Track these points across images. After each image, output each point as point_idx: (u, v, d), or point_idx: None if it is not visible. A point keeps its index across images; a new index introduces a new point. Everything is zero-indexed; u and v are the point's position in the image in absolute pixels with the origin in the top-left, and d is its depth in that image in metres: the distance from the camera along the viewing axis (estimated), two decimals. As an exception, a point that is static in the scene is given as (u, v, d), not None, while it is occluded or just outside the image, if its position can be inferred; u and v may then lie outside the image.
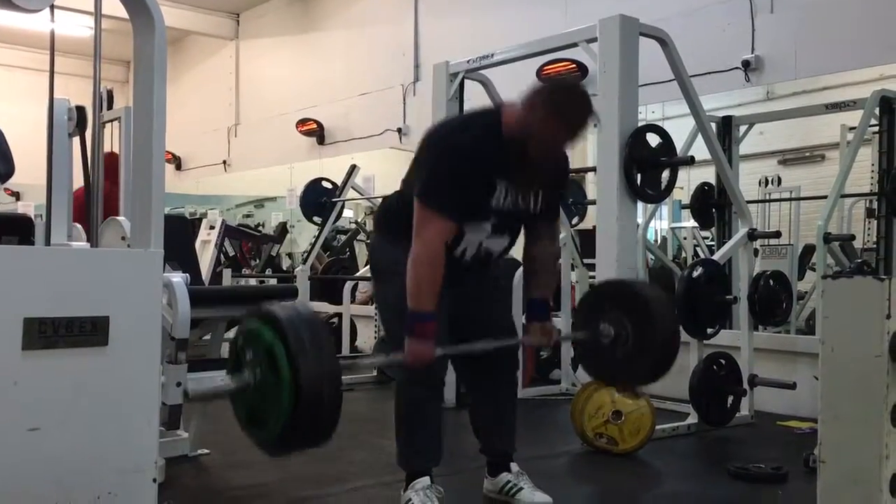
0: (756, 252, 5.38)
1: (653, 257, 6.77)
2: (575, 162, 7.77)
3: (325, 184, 7.03)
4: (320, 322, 2.27)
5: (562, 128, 2.55)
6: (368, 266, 3.07)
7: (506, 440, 2.94)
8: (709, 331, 4.21)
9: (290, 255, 9.54)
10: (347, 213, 8.93)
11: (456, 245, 2.70)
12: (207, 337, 3.59)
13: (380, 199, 6.93)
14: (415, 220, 2.60)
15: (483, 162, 2.59)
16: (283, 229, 9.26)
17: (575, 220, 5.84)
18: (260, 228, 9.99)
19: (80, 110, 3.48)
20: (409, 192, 2.72)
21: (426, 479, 2.74)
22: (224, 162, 11.08)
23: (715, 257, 4.51)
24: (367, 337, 7.17)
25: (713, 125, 5.42)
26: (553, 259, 2.98)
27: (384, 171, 8.31)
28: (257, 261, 9.27)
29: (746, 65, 5.41)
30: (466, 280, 2.79)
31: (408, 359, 2.58)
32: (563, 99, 2.55)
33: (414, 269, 2.57)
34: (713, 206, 5.97)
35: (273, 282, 8.75)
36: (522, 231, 2.91)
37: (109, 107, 4.33)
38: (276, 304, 2.26)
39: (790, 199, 7.27)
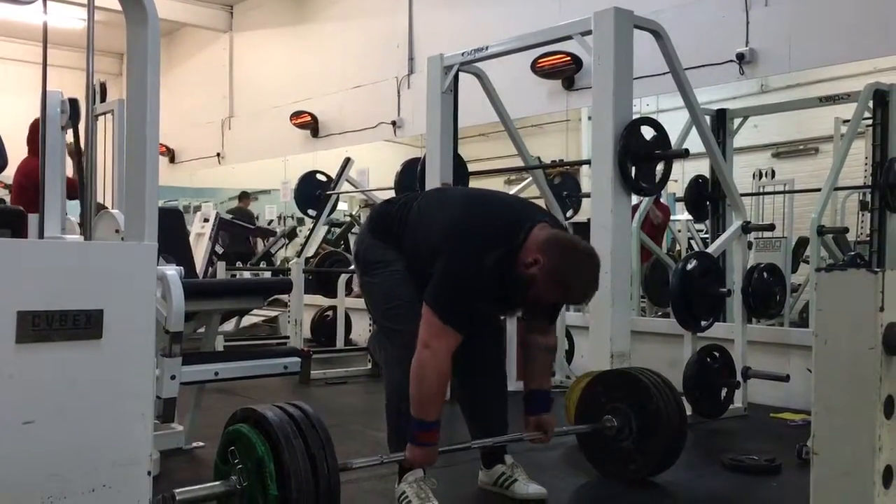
0: (750, 245, 5.40)
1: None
2: (569, 155, 7.79)
3: (320, 176, 7.02)
4: (317, 428, 2.29)
5: (562, 294, 2.68)
6: (353, 258, 3.08)
7: (497, 427, 2.95)
8: (703, 323, 4.23)
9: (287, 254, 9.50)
10: (342, 205, 8.93)
11: None
12: (202, 330, 3.58)
13: (374, 193, 6.95)
14: (424, 328, 2.60)
15: (490, 287, 2.62)
16: (293, 230, 9.21)
17: (569, 213, 5.83)
18: (254, 221, 9.97)
19: (73, 103, 3.47)
20: (421, 236, 2.75)
21: (419, 472, 2.75)
22: (218, 154, 11.06)
23: (709, 250, 4.53)
24: (362, 329, 7.18)
25: (707, 118, 5.43)
26: (548, 354, 2.99)
27: (378, 163, 8.30)
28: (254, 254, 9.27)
29: (741, 57, 5.41)
30: None
31: (412, 462, 2.69)
32: (575, 274, 2.59)
33: (421, 380, 2.60)
34: (707, 198, 5.98)
35: (267, 275, 8.75)
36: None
37: (103, 99, 4.31)
38: (273, 410, 2.30)
39: (784, 192, 7.30)
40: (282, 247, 9.32)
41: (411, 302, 2.73)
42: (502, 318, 2.93)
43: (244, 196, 10.20)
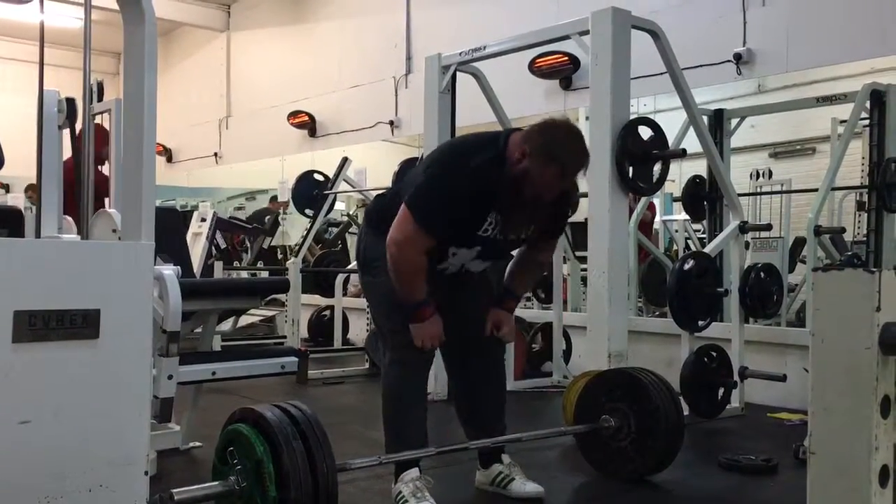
0: (747, 245, 5.40)
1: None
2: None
3: (317, 176, 7.01)
4: (316, 428, 2.28)
5: (558, 171, 2.58)
6: (355, 258, 3.08)
7: (495, 427, 2.95)
8: (700, 323, 4.23)
9: (282, 249, 9.50)
10: (339, 205, 8.92)
11: (439, 262, 2.75)
12: (199, 329, 3.58)
13: (372, 192, 6.94)
14: (395, 225, 2.62)
15: (479, 193, 2.61)
16: (274, 221, 9.24)
17: (567, 213, 5.83)
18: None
19: (70, 102, 3.46)
20: (405, 193, 2.72)
21: (415, 471, 2.76)
22: (215, 154, 11.05)
23: (706, 250, 4.52)
24: (359, 329, 7.17)
25: (705, 118, 5.44)
26: (540, 266, 3.04)
27: (376, 163, 8.30)
28: (247, 254, 9.25)
29: (738, 58, 5.41)
30: (446, 284, 2.84)
31: (419, 343, 2.70)
32: (556, 142, 2.57)
33: (399, 278, 2.65)
34: (704, 198, 5.99)
35: (265, 275, 8.75)
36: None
37: (100, 99, 4.31)
38: (272, 410, 2.29)
39: (781, 192, 7.30)
40: (269, 240, 9.32)
41: None
42: (491, 263, 2.82)
43: (273, 199, 10.13)
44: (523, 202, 2.61)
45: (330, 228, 8.98)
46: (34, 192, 8.59)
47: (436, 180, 2.64)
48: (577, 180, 2.82)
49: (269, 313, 8.06)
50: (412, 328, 2.70)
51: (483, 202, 2.63)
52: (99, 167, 5.22)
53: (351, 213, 9.61)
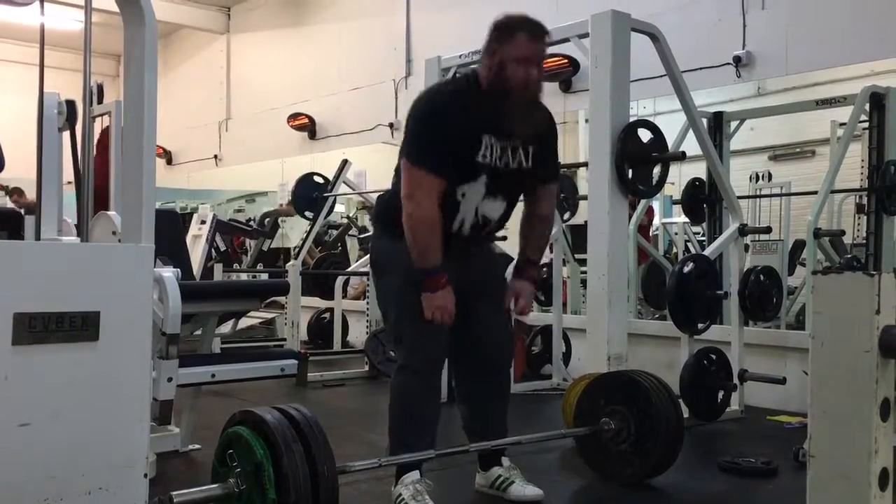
0: (747, 247, 5.40)
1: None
2: (567, 157, 7.79)
3: (317, 178, 7.01)
4: (316, 431, 2.28)
5: (520, 35, 2.67)
6: (370, 263, 3.07)
7: (496, 430, 2.94)
8: (699, 326, 4.23)
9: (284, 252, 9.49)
10: (339, 207, 8.92)
11: (453, 216, 2.72)
12: (198, 332, 3.58)
13: (371, 195, 6.94)
14: (403, 181, 2.64)
15: (463, 113, 2.66)
16: (274, 223, 9.24)
17: (566, 216, 5.84)
18: (251, 223, 9.96)
19: (70, 104, 3.46)
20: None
21: (415, 474, 2.75)
22: (215, 156, 11.05)
23: (706, 252, 4.53)
24: (359, 332, 7.17)
25: (704, 121, 5.43)
26: (543, 222, 3.02)
27: (376, 165, 8.29)
28: (246, 256, 9.25)
29: (737, 60, 5.42)
30: (463, 253, 2.80)
31: (429, 313, 2.64)
32: (505, 18, 2.71)
33: (415, 235, 2.63)
34: (704, 201, 5.99)
35: (264, 277, 8.74)
36: (522, 200, 2.96)
37: (100, 101, 4.32)
38: (272, 412, 2.29)
39: (780, 195, 7.30)
40: (269, 243, 9.32)
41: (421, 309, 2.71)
42: (505, 202, 2.82)
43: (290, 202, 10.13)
44: (506, 111, 2.66)
45: (330, 231, 8.98)
46: (19, 195, 8.59)
47: (420, 120, 2.70)
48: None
49: (269, 316, 8.06)
50: (424, 299, 2.64)
51: (469, 123, 2.67)
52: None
53: (351, 215, 9.61)
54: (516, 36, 2.65)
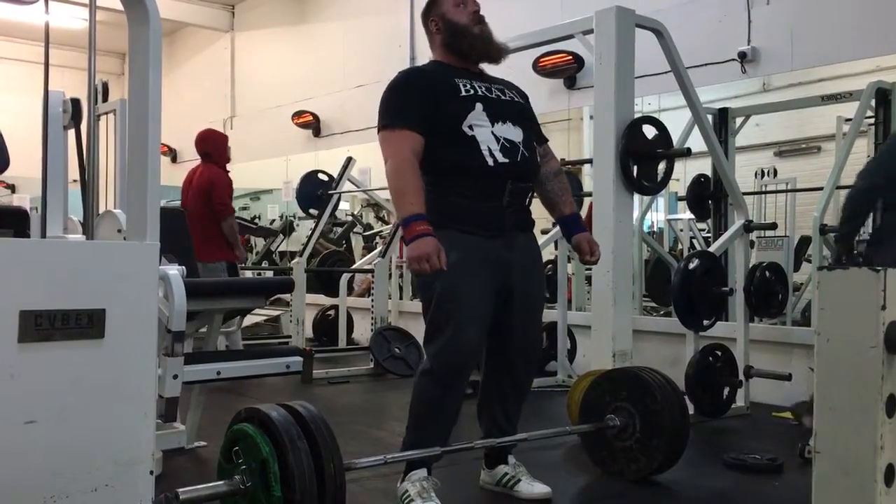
0: (752, 244, 5.39)
1: (649, 249, 6.77)
2: (571, 154, 7.78)
3: (321, 176, 7.02)
4: (323, 429, 2.28)
5: None
6: None
7: (508, 429, 2.94)
8: (705, 322, 4.23)
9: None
10: (344, 205, 8.93)
11: (477, 149, 2.67)
12: (204, 329, 3.59)
13: (376, 192, 6.95)
14: (381, 146, 2.68)
15: (430, 76, 2.77)
16: (289, 225, 9.22)
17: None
18: (256, 221, 9.98)
19: (76, 103, 3.46)
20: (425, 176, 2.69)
21: (423, 471, 2.75)
22: (220, 154, 11.05)
23: (711, 249, 4.52)
24: (364, 329, 7.18)
25: (709, 117, 5.42)
26: (559, 174, 3.01)
27: (380, 163, 8.28)
28: (251, 254, 9.26)
29: (742, 56, 5.40)
30: (514, 236, 2.77)
31: (413, 264, 2.51)
32: None
33: (390, 186, 2.64)
34: (709, 197, 5.98)
35: (270, 274, 8.75)
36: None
37: (105, 99, 4.31)
38: (277, 410, 2.29)
39: (786, 191, 7.29)
40: (281, 242, 9.33)
41: (462, 305, 2.65)
42: (518, 126, 2.80)
43: None
44: (472, 47, 2.83)
45: (334, 228, 8.99)
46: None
47: (386, 96, 2.76)
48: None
49: (274, 313, 8.07)
50: (407, 250, 2.55)
51: (440, 77, 2.75)
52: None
53: (355, 212, 9.62)
54: None
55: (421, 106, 2.66)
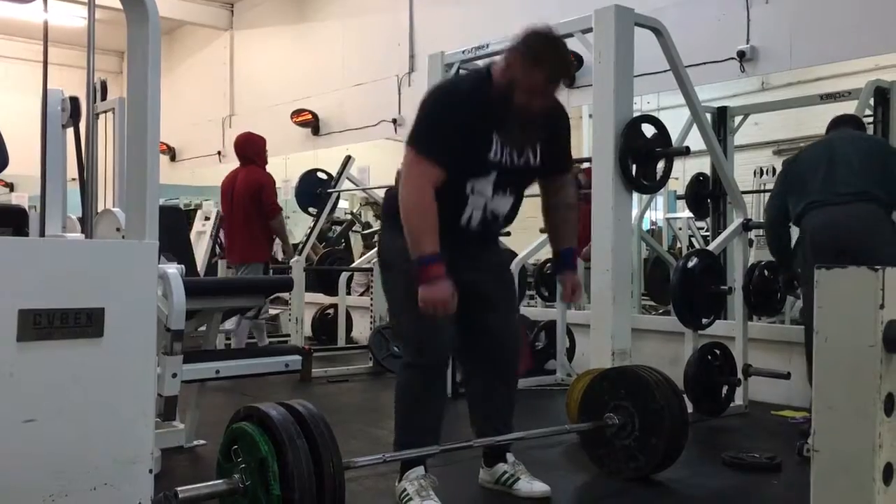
0: (751, 242, 5.40)
1: (648, 247, 6.77)
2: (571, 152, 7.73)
3: (320, 174, 7.01)
4: (322, 427, 2.28)
5: (540, 73, 2.58)
6: (377, 257, 3.07)
7: (502, 426, 2.94)
8: (703, 321, 4.23)
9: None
10: (343, 203, 8.92)
11: (462, 210, 2.71)
12: (203, 328, 3.59)
13: (375, 191, 6.95)
14: (402, 166, 2.63)
15: (473, 111, 2.63)
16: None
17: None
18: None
19: (74, 101, 3.46)
20: None
21: (420, 469, 2.76)
22: (219, 153, 11.04)
23: (710, 248, 4.52)
24: (363, 328, 7.18)
25: (708, 115, 5.43)
26: (570, 209, 2.99)
27: (379, 161, 8.30)
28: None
29: (741, 55, 5.40)
30: (473, 248, 2.81)
31: (425, 305, 2.56)
32: (539, 45, 2.60)
33: (408, 220, 2.59)
34: (708, 196, 5.98)
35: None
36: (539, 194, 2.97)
37: (103, 97, 4.31)
38: (276, 408, 2.29)
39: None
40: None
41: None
42: (513, 197, 2.81)
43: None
44: (518, 116, 2.63)
45: (333, 227, 8.98)
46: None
47: (430, 110, 2.68)
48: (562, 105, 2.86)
49: (273, 312, 8.07)
50: (420, 291, 2.57)
51: (482, 122, 2.64)
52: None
53: (354, 211, 9.61)
54: (536, 70, 2.56)
55: (453, 142, 2.62)
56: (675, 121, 5.18)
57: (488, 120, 2.64)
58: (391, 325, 2.97)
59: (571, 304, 3.04)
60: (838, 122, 4.09)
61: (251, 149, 6.12)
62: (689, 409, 4.03)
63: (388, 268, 2.89)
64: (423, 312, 2.58)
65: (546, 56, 2.59)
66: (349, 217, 9.35)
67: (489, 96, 2.63)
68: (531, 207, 3.19)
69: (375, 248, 3.05)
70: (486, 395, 2.95)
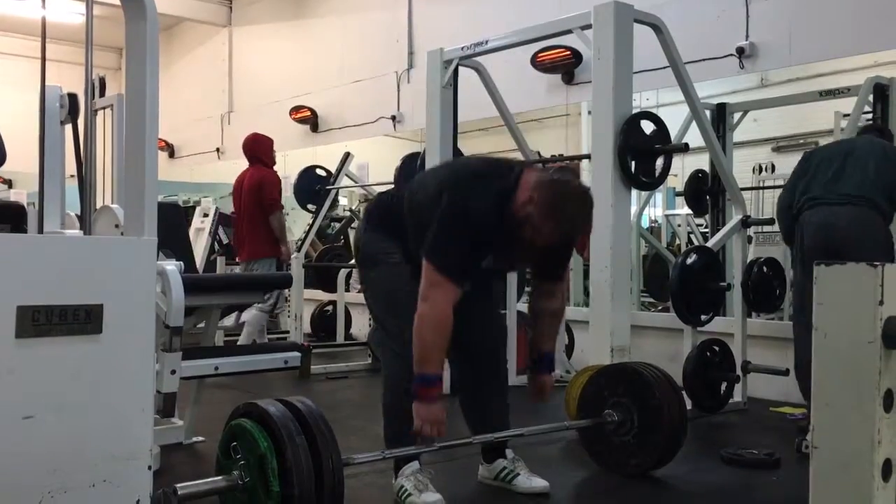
0: (750, 239, 5.39)
1: (647, 244, 6.78)
2: (569, 149, 7.77)
3: (319, 171, 7.01)
4: (321, 424, 2.28)
5: (555, 229, 2.59)
6: (354, 254, 3.07)
7: (497, 421, 2.95)
8: (703, 318, 4.23)
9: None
10: (341, 200, 8.91)
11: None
12: (202, 325, 3.59)
13: (374, 187, 6.94)
14: (423, 281, 2.60)
15: (487, 228, 2.62)
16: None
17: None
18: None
19: (73, 98, 3.46)
20: (418, 210, 2.75)
21: (415, 464, 2.76)
22: (217, 149, 11.04)
23: (709, 244, 4.52)
24: (362, 324, 7.18)
25: (707, 112, 5.42)
26: (555, 317, 3.02)
27: (378, 158, 8.29)
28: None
29: (741, 52, 5.40)
30: None
31: (419, 424, 2.61)
32: (559, 201, 2.57)
33: (421, 334, 2.59)
34: (707, 193, 5.98)
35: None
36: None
37: (102, 94, 4.29)
38: (276, 405, 2.29)
39: (784, 187, 7.27)
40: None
41: (412, 296, 2.74)
42: (505, 272, 2.89)
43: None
44: (521, 244, 2.63)
45: (332, 224, 8.97)
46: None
47: (453, 229, 2.62)
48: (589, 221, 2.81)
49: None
50: (415, 407, 2.62)
51: (489, 236, 2.65)
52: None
53: (353, 208, 9.60)
54: (549, 222, 2.55)
55: (469, 259, 2.67)
56: (675, 117, 5.17)
57: (495, 234, 2.65)
58: (375, 317, 2.97)
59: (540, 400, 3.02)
60: (867, 129, 4.22)
61: (258, 148, 6.40)
62: (688, 406, 4.04)
63: (374, 263, 2.89)
64: (416, 431, 2.63)
65: (562, 215, 2.57)
66: (348, 214, 9.34)
67: (504, 216, 2.61)
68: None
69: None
70: (476, 390, 2.98)
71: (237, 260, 6.61)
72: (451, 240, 2.61)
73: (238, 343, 6.06)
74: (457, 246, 2.61)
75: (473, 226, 2.60)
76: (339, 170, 6.78)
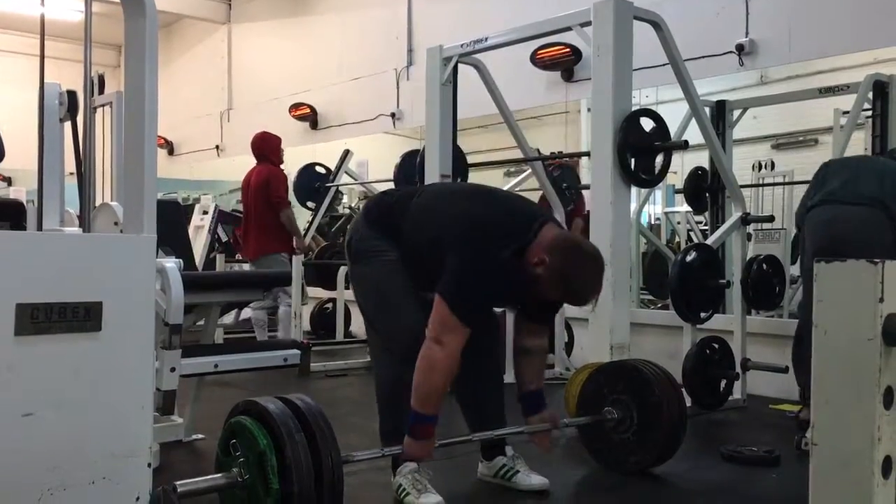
0: (749, 236, 5.39)
1: (647, 242, 6.77)
2: (569, 147, 7.76)
3: (319, 169, 7.01)
4: (321, 421, 2.28)
5: (561, 297, 2.72)
6: (345, 248, 3.06)
7: (495, 418, 2.95)
8: (702, 315, 4.23)
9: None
10: (344, 198, 8.91)
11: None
12: (201, 322, 3.58)
13: (373, 185, 6.94)
14: (438, 323, 2.60)
15: (501, 279, 2.66)
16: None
17: (570, 207, 5.84)
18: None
19: (72, 95, 3.46)
20: (427, 229, 2.78)
21: (412, 463, 2.75)
22: (217, 147, 11.03)
23: (708, 242, 4.52)
24: (362, 322, 7.16)
25: (707, 109, 5.42)
26: (541, 355, 3.03)
27: (378, 155, 8.29)
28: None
29: (740, 48, 5.39)
30: None
31: (408, 456, 2.68)
32: (571, 269, 2.60)
33: (431, 377, 2.60)
34: (707, 190, 5.97)
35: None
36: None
37: (101, 91, 4.29)
38: (275, 402, 2.30)
39: (783, 184, 7.29)
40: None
41: (404, 292, 2.74)
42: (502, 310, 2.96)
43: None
44: (527, 295, 2.73)
45: (332, 221, 8.97)
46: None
47: (473, 277, 2.63)
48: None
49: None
50: (407, 442, 2.65)
51: (504, 285, 2.70)
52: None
53: (353, 205, 9.60)
54: (559, 286, 2.62)
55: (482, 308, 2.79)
56: (674, 115, 5.17)
57: (507, 282, 2.68)
58: (364, 313, 2.97)
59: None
60: (893, 152, 4.32)
61: (267, 147, 6.42)
62: (688, 403, 4.04)
63: (367, 259, 2.88)
64: (405, 458, 2.71)
65: (570, 287, 2.63)
66: (348, 211, 9.34)
67: (517, 269, 2.64)
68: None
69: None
70: (471, 387, 2.98)
71: (243, 257, 6.64)
72: (474, 292, 2.63)
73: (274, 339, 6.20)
74: (478, 301, 2.68)
75: (495, 283, 2.66)
76: (338, 167, 6.78)
